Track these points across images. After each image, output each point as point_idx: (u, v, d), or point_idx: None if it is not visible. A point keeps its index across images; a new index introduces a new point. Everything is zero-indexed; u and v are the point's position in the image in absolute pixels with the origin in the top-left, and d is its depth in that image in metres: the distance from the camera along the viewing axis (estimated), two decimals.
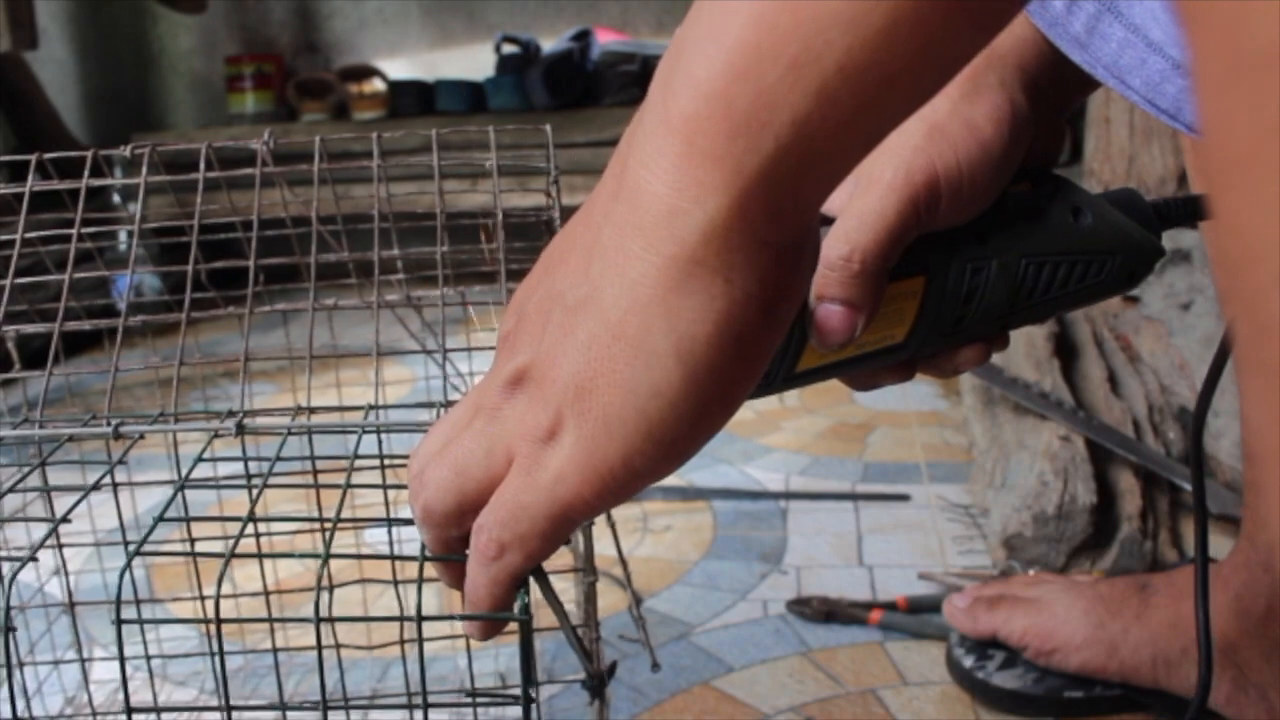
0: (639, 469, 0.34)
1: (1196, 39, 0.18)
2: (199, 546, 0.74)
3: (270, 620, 0.43)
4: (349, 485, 0.45)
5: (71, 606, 0.63)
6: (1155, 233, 0.46)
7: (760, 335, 0.33)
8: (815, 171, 0.31)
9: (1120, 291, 0.47)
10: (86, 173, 0.59)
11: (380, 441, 0.50)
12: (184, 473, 0.47)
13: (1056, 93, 0.49)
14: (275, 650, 0.57)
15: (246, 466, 0.50)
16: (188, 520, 0.45)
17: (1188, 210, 0.48)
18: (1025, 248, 0.45)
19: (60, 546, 0.58)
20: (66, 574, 0.64)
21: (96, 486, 0.47)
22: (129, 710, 0.39)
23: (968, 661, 0.77)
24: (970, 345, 0.47)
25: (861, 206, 0.42)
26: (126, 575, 0.38)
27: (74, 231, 0.57)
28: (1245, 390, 0.19)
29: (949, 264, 0.44)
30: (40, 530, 0.59)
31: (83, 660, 0.66)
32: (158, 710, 0.45)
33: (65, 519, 0.44)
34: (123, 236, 2.09)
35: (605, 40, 2.48)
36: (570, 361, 0.34)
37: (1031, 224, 0.45)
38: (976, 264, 0.44)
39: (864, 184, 0.43)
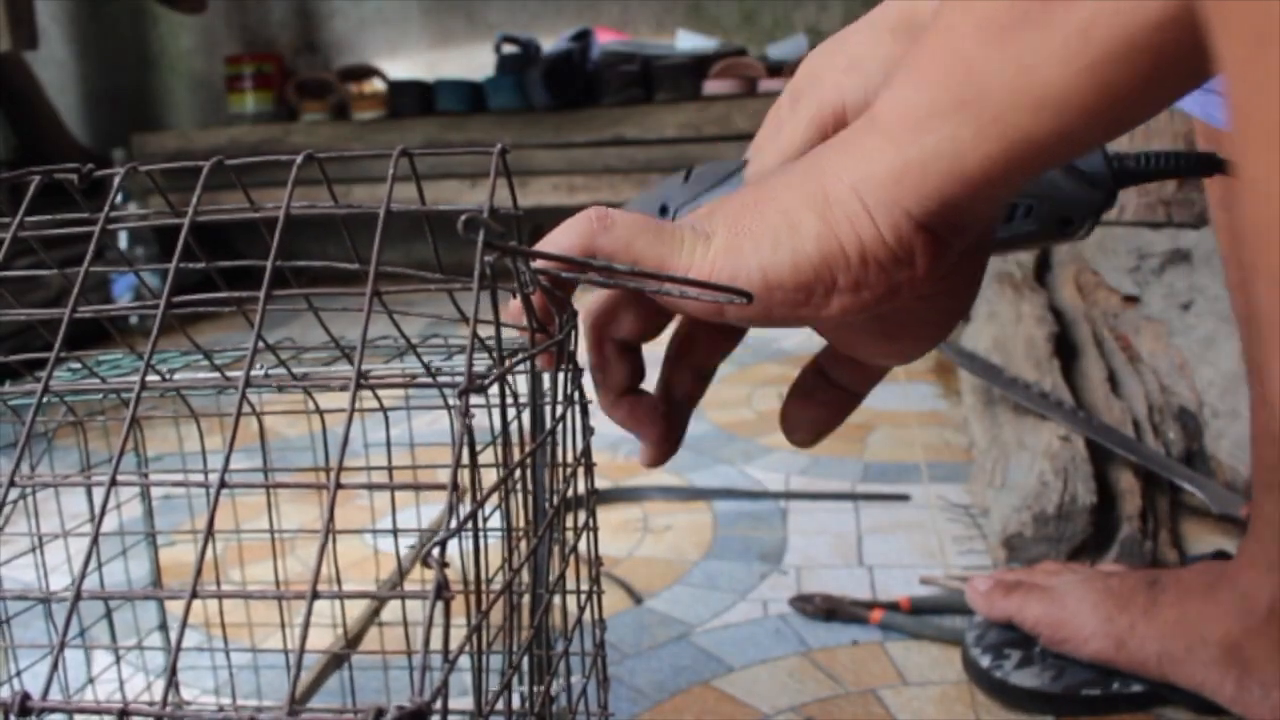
0: (766, 278, 0.40)
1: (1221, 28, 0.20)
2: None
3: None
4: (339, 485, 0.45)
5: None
6: (1105, 186, 0.46)
7: (856, 279, 0.39)
8: (958, 183, 0.37)
9: (1058, 238, 0.47)
10: (113, 195, 0.59)
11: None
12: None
13: None
14: (286, 651, 0.57)
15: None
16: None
17: (1150, 167, 0.48)
18: None
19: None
20: (92, 570, 0.64)
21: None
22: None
23: (985, 661, 0.76)
24: None
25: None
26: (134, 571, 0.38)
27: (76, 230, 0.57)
28: (1268, 366, 0.20)
29: None
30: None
31: (55, 656, 0.66)
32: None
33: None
34: (123, 237, 2.09)
35: (605, 40, 2.48)
36: (740, 200, 0.41)
37: None
38: None
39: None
